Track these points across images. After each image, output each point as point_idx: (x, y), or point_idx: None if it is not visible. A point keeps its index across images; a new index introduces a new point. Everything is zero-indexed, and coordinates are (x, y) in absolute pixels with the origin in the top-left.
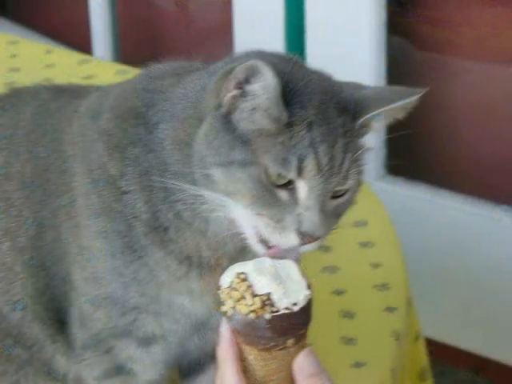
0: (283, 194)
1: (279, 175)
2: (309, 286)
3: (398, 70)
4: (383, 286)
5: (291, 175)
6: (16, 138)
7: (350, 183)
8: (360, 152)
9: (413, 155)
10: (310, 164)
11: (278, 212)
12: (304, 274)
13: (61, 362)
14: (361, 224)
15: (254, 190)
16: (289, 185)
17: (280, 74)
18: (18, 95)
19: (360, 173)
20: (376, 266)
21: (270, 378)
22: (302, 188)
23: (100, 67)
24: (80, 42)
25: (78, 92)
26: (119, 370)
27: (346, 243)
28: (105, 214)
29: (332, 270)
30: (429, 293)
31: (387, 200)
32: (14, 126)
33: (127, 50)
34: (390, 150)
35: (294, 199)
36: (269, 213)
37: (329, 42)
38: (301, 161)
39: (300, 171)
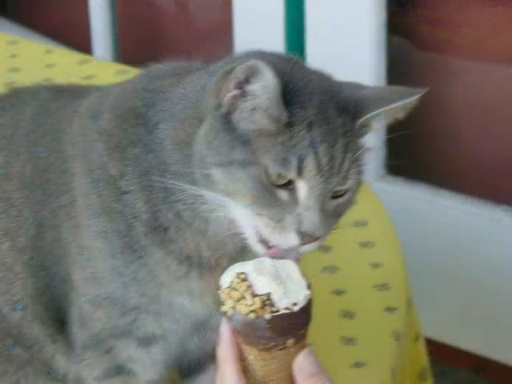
0: (283, 194)
1: (279, 175)
2: (309, 286)
3: (398, 69)
4: (383, 286)
5: (291, 175)
6: (16, 138)
7: (350, 183)
8: (360, 152)
9: (413, 155)
10: (310, 164)
11: (278, 212)
12: (304, 274)
13: (61, 362)
14: (361, 224)
15: (254, 190)
16: (289, 185)
17: (280, 73)
18: (18, 95)
19: (360, 173)
20: (376, 266)
21: (270, 378)
22: (302, 188)
23: (100, 67)
24: (80, 41)
25: (78, 92)
26: (119, 370)
27: (346, 243)
28: (105, 214)
29: (332, 269)
30: (429, 293)
31: (387, 200)
32: (14, 126)
33: (127, 50)
34: (390, 149)
35: (294, 199)
36: (269, 213)
37: (329, 42)
38: (301, 161)
39: (300, 171)
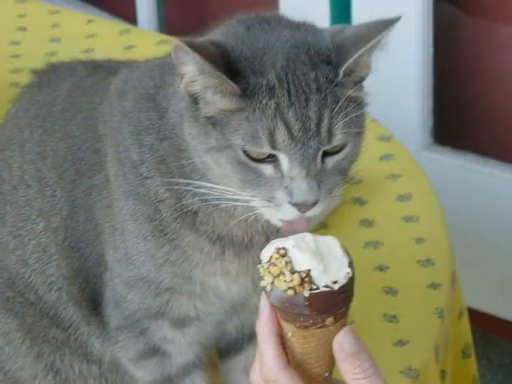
0: (269, 169)
1: (257, 152)
2: (350, 264)
3: (446, 37)
4: (427, 262)
5: (266, 150)
6: (51, 116)
7: (339, 138)
8: (343, 102)
9: (461, 124)
10: (280, 134)
11: (268, 189)
12: (346, 251)
13: (96, 344)
14: (405, 198)
15: (238, 174)
16: (272, 157)
17: (223, 44)
18: (55, 71)
19: (351, 124)
20: (420, 240)
21: (309, 356)
22: (283, 159)
23: (141, 37)
24: (124, 11)
25: (115, 68)
26: (154, 351)
27: (390, 217)
28: (133, 197)
29: (375, 245)
30: (476, 263)
31: (434, 170)
32: (50, 103)
33: (172, 21)
34: (438, 118)
35: (280, 171)
36: (259, 193)
37: (375, 9)
38: (270, 133)
39: (273, 144)
